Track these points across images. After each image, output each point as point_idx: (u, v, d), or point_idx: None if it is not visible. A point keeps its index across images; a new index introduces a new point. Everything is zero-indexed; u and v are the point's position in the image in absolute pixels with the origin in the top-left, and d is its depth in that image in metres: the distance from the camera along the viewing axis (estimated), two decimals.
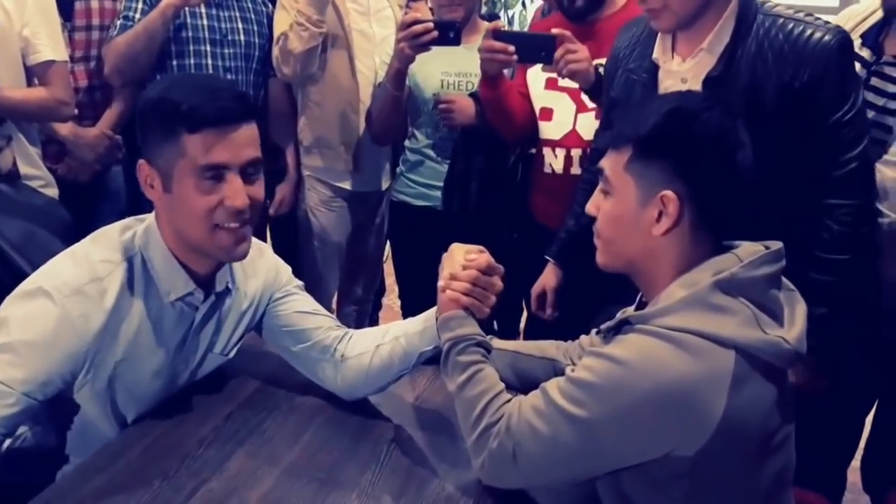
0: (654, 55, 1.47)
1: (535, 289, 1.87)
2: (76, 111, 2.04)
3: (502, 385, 1.10)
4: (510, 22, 4.49)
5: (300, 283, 1.42)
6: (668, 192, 0.99)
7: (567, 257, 1.80)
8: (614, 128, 1.06)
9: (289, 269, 1.41)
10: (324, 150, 2.28)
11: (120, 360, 1.17)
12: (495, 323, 2.38)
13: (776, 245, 1.03)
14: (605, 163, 1.06)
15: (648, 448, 0.95)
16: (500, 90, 1.87)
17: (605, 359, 0.96)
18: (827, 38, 1.31)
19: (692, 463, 0.93)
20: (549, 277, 1.85)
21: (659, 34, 1.47)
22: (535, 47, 1.72)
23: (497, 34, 1.71)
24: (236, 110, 1.11)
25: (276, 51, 2.14)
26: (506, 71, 1.93)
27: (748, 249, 1.02)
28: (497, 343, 1.32)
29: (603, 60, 1.77)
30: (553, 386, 1.01)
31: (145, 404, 1.25)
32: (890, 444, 1.87)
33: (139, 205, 1.85)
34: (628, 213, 1.03)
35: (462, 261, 1.18)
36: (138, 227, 1.21)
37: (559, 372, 1.26)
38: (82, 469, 1.11)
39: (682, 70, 1.43)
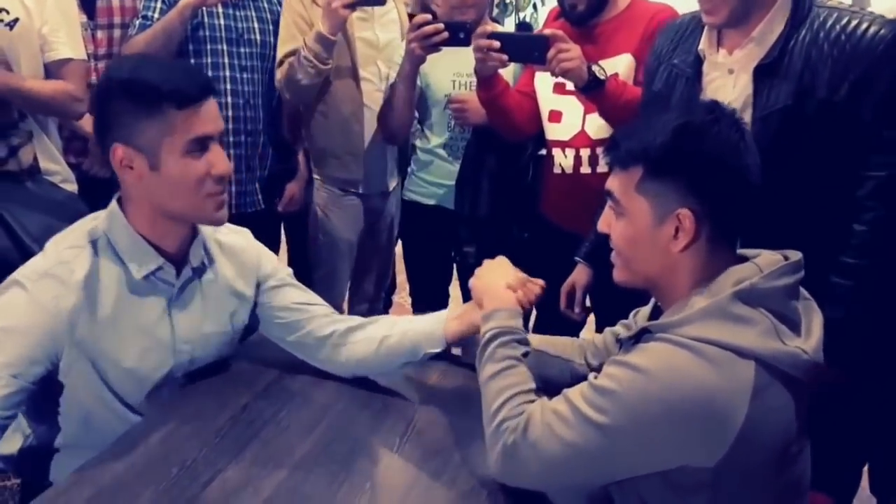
0: (700, 47, 1.48)
1: (565, 287, 1.88)
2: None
3: (532, 386, 1.10)
4: (521, 24, 4.50)
5: (290, 270, 1.45)
6: (684, 210, 0.99)
7: (598, 258, 1.80)
8: (619, 147, 1.04)
9: (274, 256, 1.45)
10: (329, 158, 2.28)
11: (100, 337, 1.20)
12: None
13: (795, 255, 1.02)
14: (613, 184, 1.05)
15: (666, 457, 0.95)
16: (495, 90, 1.89)
17: (628, 367, 0.97)
18: (883, 31, 1.32)
19: (712, 473, 0.93)
20: (579, 276, 1.87)
21: (705, 29, 1.48)
22: (527, 47, 1.74)
23: (490, 35, 1.73)
24: (209, 85, 1.19)
25: (279, 74, 2.14)
26: (508, 71, 1.93)
27: (768, 259, 1.01)
28: None
29: (606, 62, 1.80)
30: (576, 392, 1.01)
31: (147, 384, 1.27)
32: None
33: None
34: (644, 232, 1.02)
35: (515, 275, 1.25)
36: (102, 214, 1.25)
37: (574, 374, 1.28)
38: (101, 457, 1.13)
39: (728, 61, 1.44)
